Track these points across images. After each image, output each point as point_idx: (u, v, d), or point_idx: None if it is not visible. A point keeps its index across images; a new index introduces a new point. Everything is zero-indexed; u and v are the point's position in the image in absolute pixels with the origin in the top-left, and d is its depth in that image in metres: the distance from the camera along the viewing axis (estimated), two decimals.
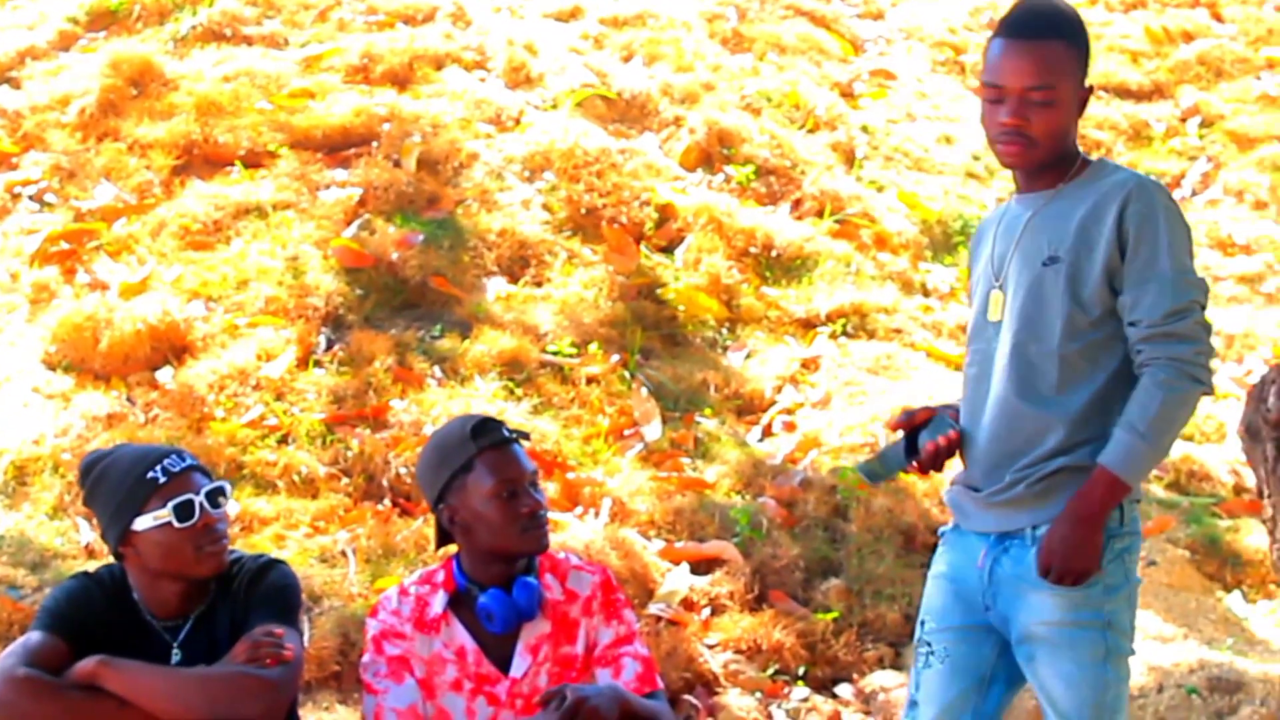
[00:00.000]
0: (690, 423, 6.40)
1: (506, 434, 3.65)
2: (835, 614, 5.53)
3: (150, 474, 3.55)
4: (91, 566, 3.91)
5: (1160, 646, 5.32)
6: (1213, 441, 6.61)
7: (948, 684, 3.58)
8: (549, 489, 5.78)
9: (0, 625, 5.04)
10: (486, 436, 3.62)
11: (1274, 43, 9.71)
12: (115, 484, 3.57)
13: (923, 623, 3.63)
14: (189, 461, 3.61)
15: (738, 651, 5.37)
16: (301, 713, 3.98)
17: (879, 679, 5.32)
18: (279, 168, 7.25)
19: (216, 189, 7.12)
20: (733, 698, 5.20)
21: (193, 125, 7.40)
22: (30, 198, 7.10)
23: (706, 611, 5.51)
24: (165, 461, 3.57)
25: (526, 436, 3.73)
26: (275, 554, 4.68)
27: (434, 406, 6.13)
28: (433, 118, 7.59)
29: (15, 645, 3.56)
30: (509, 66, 8.11)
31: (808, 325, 7.07)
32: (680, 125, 7.97)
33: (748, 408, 6.63)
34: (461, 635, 3.64)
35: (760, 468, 6.18)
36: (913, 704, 3.64)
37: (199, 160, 7.35)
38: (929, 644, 3.60)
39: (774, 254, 7.36)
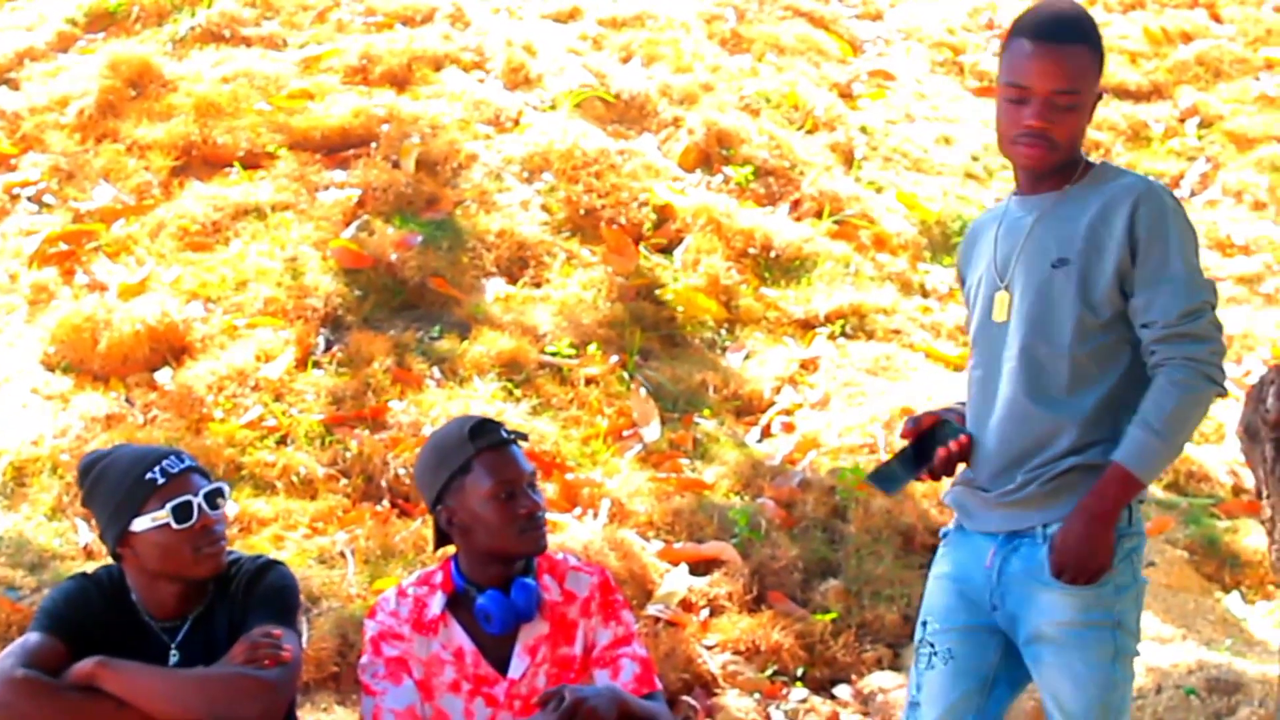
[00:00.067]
0: (689, 423, 6.40)
1: (504, 435, 3.65)
2: (834, 615, 5.53)
3: (149, 475, 3.55)
4: (90, 567, 3.91)
5: (1159, 647, 5.32)
6: (1211, 442, 6.61)
7: (951, 685, 3.57)
8: (548, 490, 5.78)
9: None
10: (484, 438, 3.62)
11: (1272, 43, 9.71)
12: (114, 485, 3.57)
13: (924, 623, 3.63)
14: (187, 463, 3.61)
15: (736, 652, 5.37)
16: (300, 714, 3.99)
17: (877, 680, 5.32)
18: (278, 169, 7.25)
19: (215, 190, 7.12)
20: (731, 699, 5.20)
21: (191, 126, 7.40)
22: (29, 199, 7.10)
23: (705, 612, 5.51)
24: (164, 462, 3.57)
25: (524, 437, 3.73)
26: (274, 555, 4.69)
27: (433, 407, 6.13)
28: (431, 119, 7.59)
29: (14, 646, 3.56)
30: (508, 67, 8.11)
31: (806, 326, 7.07)
32: (679, 126, 7.97)
33: (746, 408, 6.63)
34: (460, 636, 3.64)
35: (759, 468, 6.18)
36: (914, 705, 3.63)
37: (198, 161, 7.35)
38: (931, 644, 3.60)
39: (773, 255, 7.36)
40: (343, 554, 5.50)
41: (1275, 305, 7.67)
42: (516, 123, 7.72)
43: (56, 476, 5.76)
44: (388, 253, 6.82)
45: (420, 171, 7.31)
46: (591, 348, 6.62)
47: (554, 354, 6.57)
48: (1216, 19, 9.95)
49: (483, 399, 6.21)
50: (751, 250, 7.34)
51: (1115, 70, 9.36)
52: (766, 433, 6.50)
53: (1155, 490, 6.32)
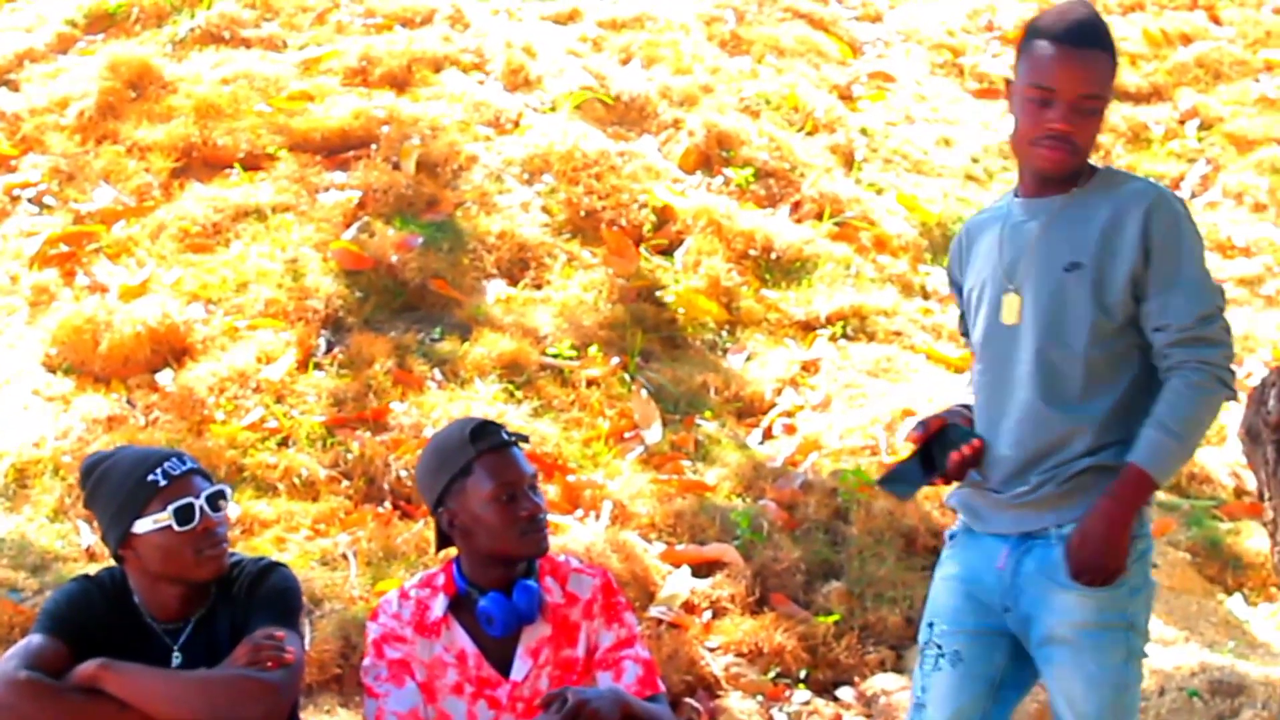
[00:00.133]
0: (690, 425, 6.39)
1: (505, 437, 3.65)
2: (836, 617, 5.53)
3: (150, 477, 3.55)
4: (92, 569, 3.91)
5: (1161, 649, 5.32)
6: (1213, 444, 6.60)
7: (959, 688, 3.57)
8: (549, 492, 5.78)
9: (1, 628, 5.04)
10: (485, 440, 3.62)
11: (1272, 45, 9.71)
12: (115, 486, 3.57)
13: (931, 624, 3.62)
14: (189, 464, 3.60)
15: (739, 654, 5.37)
16: (302, 716, 3.98)
17: (880, 682, 5.31)
18: (278, 170, 7.24)
19: (216, 191, 7.12)
20: (734, 701, 5.19)
21: (191, 128, 7.39)
22: (29, 200, 7.10)
23: (707, 614, 5.50)
24: (166, 464, 3.57)
25: (525, 439, 3.73)
26: (276, 557, 4.67)
27: (434, 409, 6.13)
28: (431, 120, 7.58)
29: (16, 648, 3.56)
30: (507, 69, 8.10)
31: (807, 328, 7.07)
32: (679, 128, 7.97)
33: (748, 410, 6.62)
34: (462, 639, 3.64)
35: (761, 470, 6.18)
36: (919, 706, 3.63)
37: (198, 163, 7.34)
38: (939, 646, 3.59)
39: (773, 256, 7.36)
40: (345, 556, 5.49)
41: (1276, 307, 7.67)
42: (516, 124, 7.72)
43: (58, 478, 5.75)
44: (388, 254, 6.82)
45: (420, 173, 7.31)
46: (592, 349, 6.61)
47: (555, 356, 6.56)
48: (1216, 21, 9.95)
49: (484, 401, 6.21)
50: (752, 252, 7.33)
51: None
52: (768, 434, 6.49)
53: (1157, 492, 6.31)
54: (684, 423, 6.41)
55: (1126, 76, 9.38)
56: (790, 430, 6.47)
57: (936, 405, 4.08)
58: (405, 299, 6.76)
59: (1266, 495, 4.83)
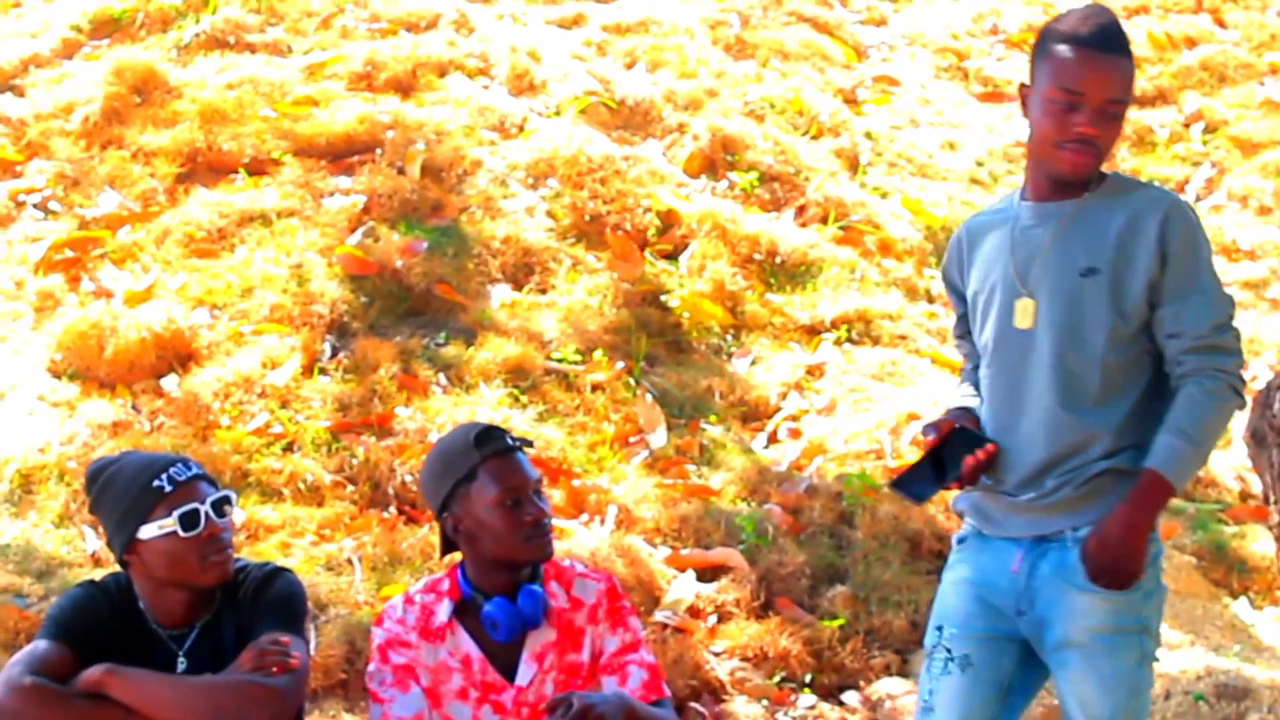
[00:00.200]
0: (695, 430, 6.39)
1: (510, 442, 3.65)
2: (841, 621, 5.52)
3: (156, 482, 3.54)
4: (97, 575, 3.91)
5: (1167, 653, 5.31)
6: (1219, 448, 6.59)
7: (969, 692, 3.58)
8: (554, 496, 5.78)
9: (6, 634, 5.05)
10: (490, 445, 3.62)
11: (1277, 48, 9.70)
12: (121, 492, 3.57)
13: (940, 629, 3.62)
14: (195, 470, 3.60)
15: (744, 659, 5.36)
16: None
17: (885, 686, 5.31)
18: (283, 175, 7.25)
19: (220, 197, 7.12)
20: (739, 705, 5.19)
21: (196, 133, 7.40)
22: (35, 206, 7.11)
23: (712, 619, 5.50)
24: (171, 470, 3.57)
25: (530, 444, 3.73)
26: (281, 562, 4.68)
27: (439, 414, 6.13)
28: (436, 125, 7.59)
29: (21, 654, 3.55)
30: (512, 73, 8.11)
31: (812, 332, 7.07)
32: (684, 132, 7.97)
33: (753, 414, 6.62)
34: (467, 644, 3.64)
35: (765, 474, 6.18)
36: (927, 710, 3.62)
37: (203, 168, 7.35)
38: (948, 650, 3.59)
39: (778, 260, 7.36)
40: (350, 561, 5.50)
41: None
42: (521, 129, 7.73)
43: (63, 484, 5.76)
44: (393, 259, 6.82)
45: (425, 178, 7.31)
46: (597, 354, 6.62)
47: (560, 360, 6.56)
48: (1221, 24, 9.95)
49: (489, 405, 6.21)
50: (757, 256, 7.34)
51: None
52: (773, 439, 6.49)
53: None
54: (689, 427, 6.41)
55: None
56: (795, 434, 6.47)
57: (941, 409, 4.07)
58: (410, 304, 6.76)
59: (1272, 499, 4.84)
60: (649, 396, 6.49)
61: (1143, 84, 9.37)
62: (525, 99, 7.98)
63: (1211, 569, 6.02)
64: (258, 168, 7.32)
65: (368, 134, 7.50)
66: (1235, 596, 5.95)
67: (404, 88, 7.91)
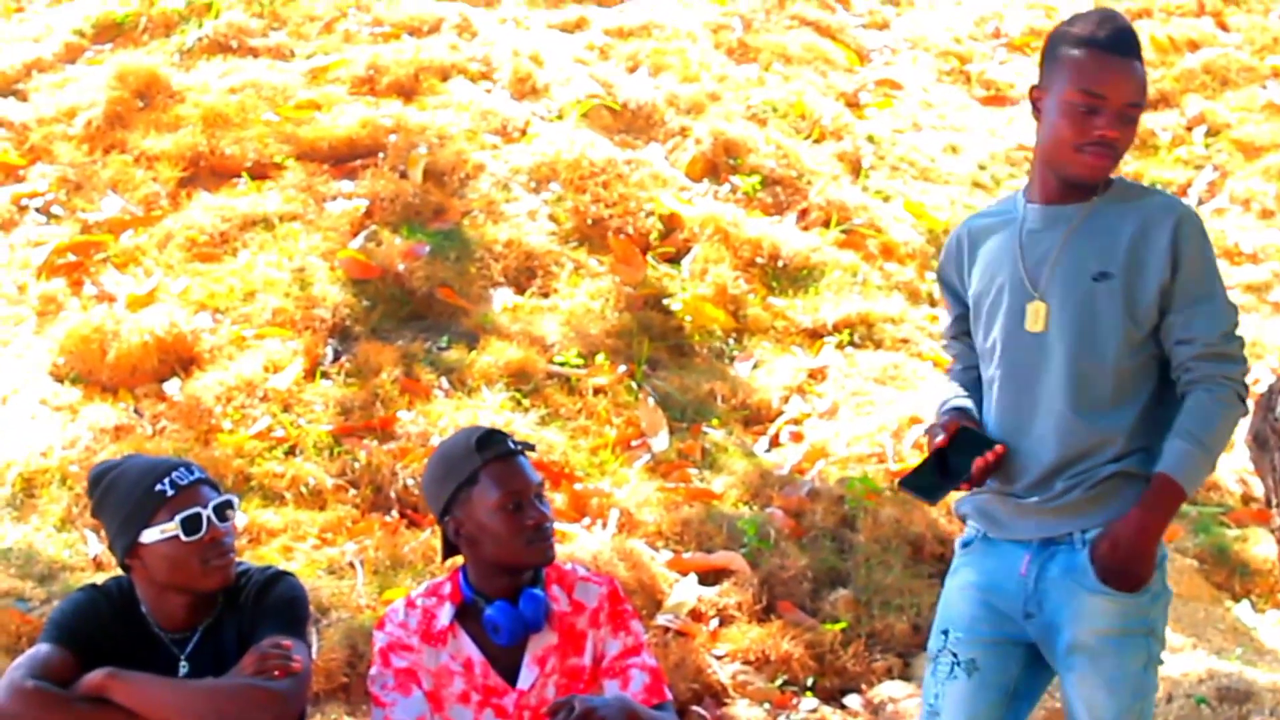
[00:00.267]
0: (697, 433, 6.40)
1: (512, 446, 3.65)
2: (843, 624, 5.53)
3: (158, 486, 3.55)
4: (99, 579, 3.91)
5: (1169, 656, 5.30)
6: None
7: (975, 697, 3.57)
8: (556, 500, 5.78)
9: (8, 637, 5.05)
10: (491, 448, 3.62)
11: (1279, 51, 9.70)
12: (123, 496, 3.57)
13: (945, 633, 3.61)
14: (197, 474, 3.60)
15: (746, 662, 5.37)
16: None
17: (888, 689, 5.31)
18: (285, 179, 7.25)
19: (223, 201, 7.13)
20: (741, 709, 5.19)
21: (199, 137, 7.41)
22: (37, 210, 7.11)
23: (714, 622, 5.50)
24: (173, 474, 3.57)
25: (532, 448, 3.73)
26: (283, 566, 4.69)
27: (441, 418, 6.13)
28: (439, 129, 7.59)
29: (23, 657, 3.56)
30: (514, 77, 8.11)
31: (814, 335, 7.07)
32: (686, 135, 7.97)
33: (755, 418, 6.62)
34: (468, 647, 3.64)
35: (768, 478, 6.18)
36: (933, 714, 3.62)
37: (205, 172, 7.35)
38: (954, 654, 3.59)
39: (780, 264, 7.36)
40: (352, 565, 5.50)
41: None
42: (523, 133, 7.73)
43: (65, 488, 5.76)
44: (395, 263, 6.82)
45: (427, 182, 7.32)
46: (599, 357, 6.62)
47: (562, 364, 6.57)
48: (1223, 27, 9.95)
49: (491, 409, 6.21)
50: (759, 260, 7.34)
51: None
52: (775, 442, 6.49)
53: None
54: (691, 430, 6.41)
55: None
56: (797, 438, 6.47)
57: (947, 413, 4.06)
58: (412, 308, 6.76)
59: (1274, 502, 4.83)
60: (651, 400, 6.49)
61: None
62: (528, 103, 7.98)
63: (1214, 572, 6.02)
64: (260, 172, 7.33)
65: (370, 138, 7.51)
66: (1237, 600, 5.95)
67: (406, 92, 7.92)
